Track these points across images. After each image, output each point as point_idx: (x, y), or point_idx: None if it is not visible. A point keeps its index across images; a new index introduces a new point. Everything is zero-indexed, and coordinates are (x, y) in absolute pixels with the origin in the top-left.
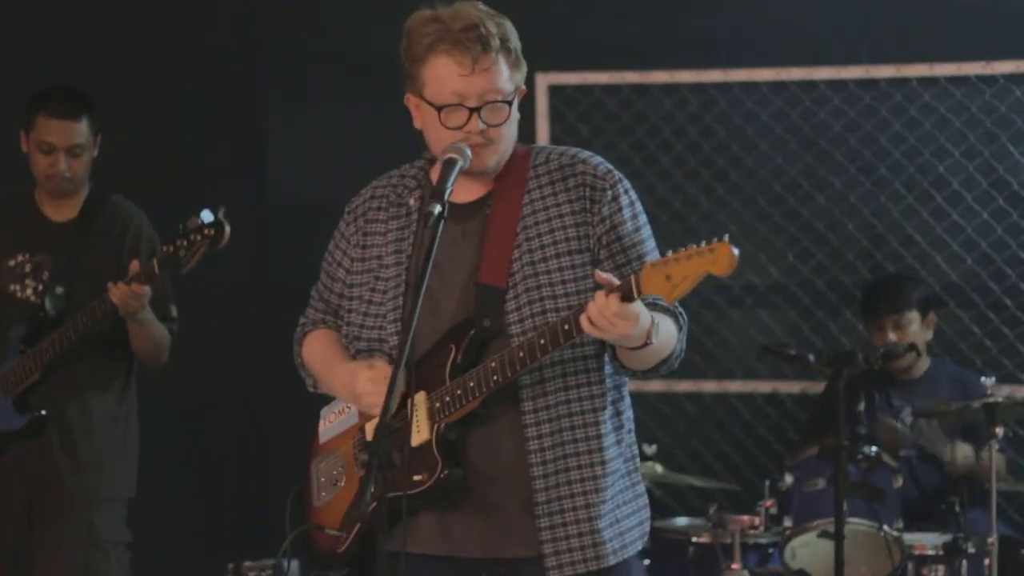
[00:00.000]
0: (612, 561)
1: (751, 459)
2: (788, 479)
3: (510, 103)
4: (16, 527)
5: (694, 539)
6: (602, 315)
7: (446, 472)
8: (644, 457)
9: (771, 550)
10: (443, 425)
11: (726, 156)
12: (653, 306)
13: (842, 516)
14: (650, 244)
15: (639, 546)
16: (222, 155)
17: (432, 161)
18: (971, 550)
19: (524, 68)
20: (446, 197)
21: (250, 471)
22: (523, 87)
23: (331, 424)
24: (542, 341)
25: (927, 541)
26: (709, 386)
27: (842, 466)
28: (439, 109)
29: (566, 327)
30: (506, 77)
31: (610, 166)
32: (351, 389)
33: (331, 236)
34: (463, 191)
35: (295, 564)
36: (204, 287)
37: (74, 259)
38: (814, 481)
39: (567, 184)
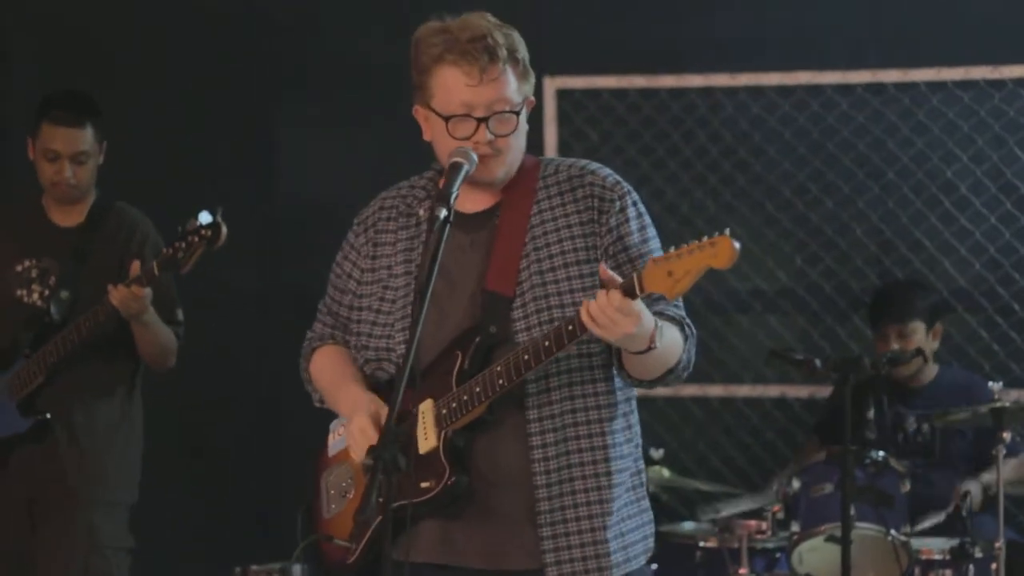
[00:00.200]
0: (616, 574)
1: (758, 463)
2: (796, 483)
3: (518, 113)
4: (18, 528)
5: (702, 544)
6: (604, 312)
7: (453, 479)
8: (651, 461)
9: (778, 555)
10: (450, 432)
11: (733, 160)
12: (659, 315)
13: (849, 521)
14: (658, 255)
15: (643, 560)
16: (228, 158)
17: (441, 172)
18: (978, 555)
19: (532, 79)
20: (452, 201)
21: (255, 475)
22: (532, 98)
23: (340, 437)
24: (547, 343)
25: (934, 546)
26: (716, 390)
27: (849, 471)
28: (447, 120)
29: (570, 327)
30: (514, 88)
31: (619, 178)
32: (354, 416)
33: (336, 239)
34: (472, 201)
35: (299, 568)
36: (209, 290)
37: (80, 264)
38: (821, 486)
39: (576, 195)
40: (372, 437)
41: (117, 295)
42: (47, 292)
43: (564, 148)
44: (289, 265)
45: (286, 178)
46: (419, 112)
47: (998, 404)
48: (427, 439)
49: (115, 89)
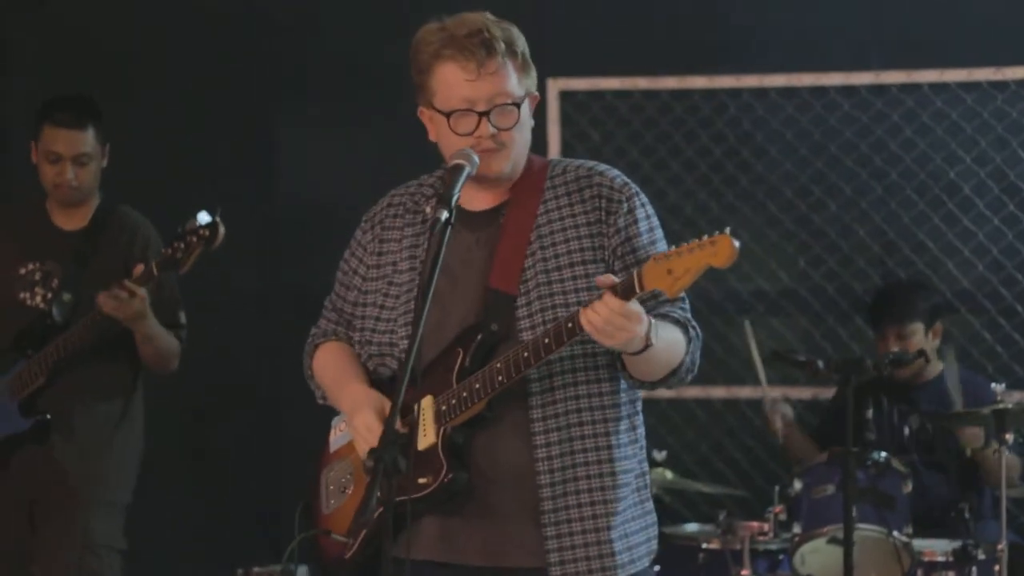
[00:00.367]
0: (621, 575)
1: (761, 465)
2: (798, 485)
3: (519, 106)
4: (18, 528)
5: (704, 545)
6: (607, 320)
7: (450, 475)
8: (654, 463)
9: (781, 556)
10: (449, 428)
11: (736, 162)
12: (664, 317)
13: (851, 522)
14: None
15: (647, 561)
16: (228, 158)
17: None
18: (981, 556)
19: (534, 74)
20: (453, 203)
21: (257, 475)
22: (536, 94)
23: (341, 433)
24: (546, 340)
25: (937, 547)
26: (719, 392)
27: (851, 472)
28: (448, 115)
29: (569, 325)
30: (514, 81)
31: (627, 179)
32: (351, 419)
33: (337, 239)
34: (479, 199)
35: (304, 569)
36: (209, 290)
37: (82, 267)
38: (823, 487)
39: (583, 195)
40: (378, 432)
41: (108, 303)
42: (50, 295)
43: (567, 149)
44: (289, 265)
45: (286, 178)
46: (423, 113)
47: (1000, 406)
48: (426, 435)
49: (115, 89)
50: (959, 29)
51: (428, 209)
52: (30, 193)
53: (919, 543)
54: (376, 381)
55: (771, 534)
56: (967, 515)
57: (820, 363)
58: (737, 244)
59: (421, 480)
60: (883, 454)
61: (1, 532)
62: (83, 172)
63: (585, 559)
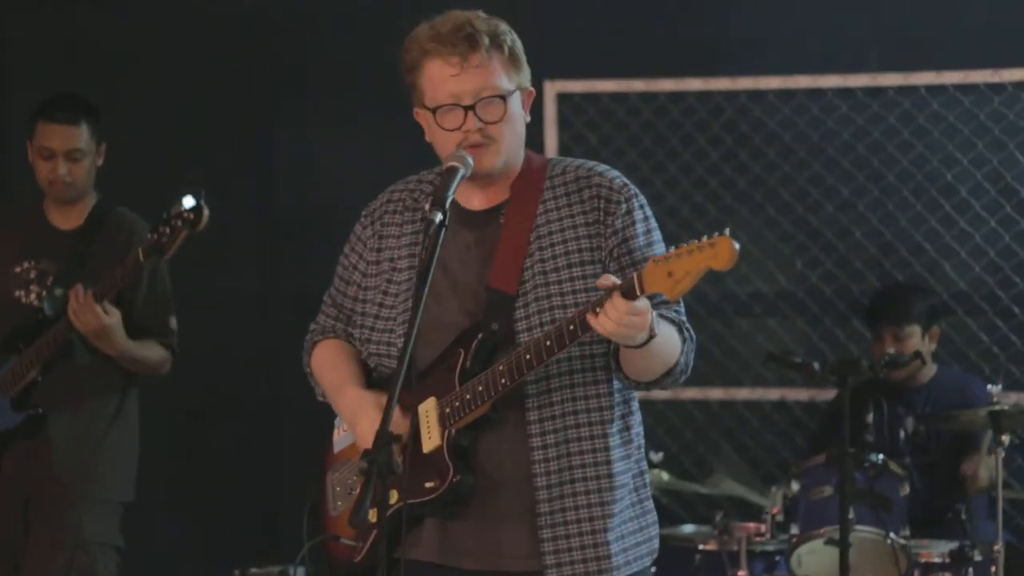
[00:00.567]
0: None
1: (758, 466)
2: (795, 486)
3: (505, 98)
4: (12, 525)
5: (701, 546)
6: (618, 322)
7: (458, 477)
8: (651, 464)
9: (777, 557)
10: (454, 431)
11: (733, 164)
12: (659, 317)
13: (847, 523)
14: None
15: (647, 562)
16: (228, 158)
17: None
18: (977, 558)
19: (525, 69)
20: (447, 205)
21: (256, 476)
22: (530, 89)
23: (345, 433)
24: (548, 342)
25: (934, 549)
26: (716, 393)
27: (848, 473)
28: (434, 111)
29: (571, 327)
30: (501, 74)
31: (627, 180)
32: (352, 421)
33: (336, 239)
34: (478, 198)
35: (302, 571)
36: (208, 290)
37: (78, 266)
38: (821, 488)
39: (582, 196)
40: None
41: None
42: (44, 292)
43: (564, 151)
44: (288, 265)
45: (286, 178)
46: (418, 114)
47: (996, 407)
48: (431, 438)
49: (115, 89)
50: (956, 31)
51: (427, 207)
52: (29, 193)
53: (916, 544)
54: (376, 379)
55: (768, 535)
56: (963, 516)
57: (816, 365)
58: (737, 246)
59: (428, 484)
60: (880, 456)
61: None
62: (76, 168)
63: (582, 561)
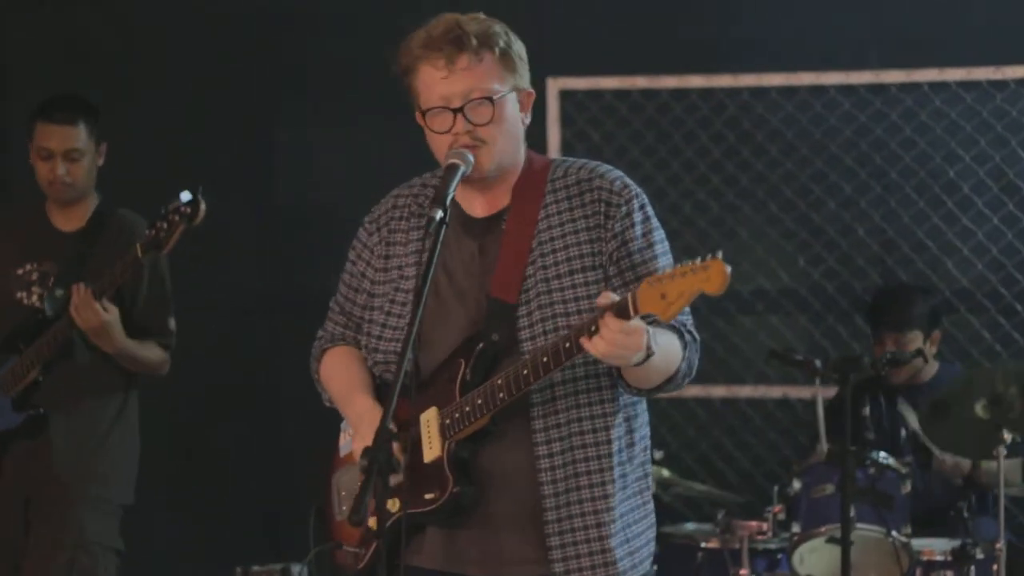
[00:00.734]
0: None
1: (760, 464)
2: (796, 484)
3: (493, 100)
4: (13, 525)
5: (703, 544)
6: (614, 344)
7: (457, 489)
8: (652, 462)
9: (779, 556)
10: (454, 442)
11: (736, 161)
12: (656, 323)
13: (848, 521)
14: (664, 261)
15: (648, 564)
16: (228, 159)
17: None
18: (979, 556)
19: (522, 70)
20: (447, 203)
21: (256, 475)
22: (528, 90)
23: (351, 438)
24: (544, 359)
25: (935, 547)
26: (719, 391)
27: (850, 472)
28: (424, 114)
29: (567, 345)
30: (492, 76)
31: (628, 181)
32: (358, 429)
33: (337, 240)
34: (480, 205)
35: (304, 570)
36: (209, 291)
37: (79, 267)
38: (822, 487)
39: (583, 200)
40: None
41: (75, 305)
42: (45, 293)
43: (567, 149)
44: (289, 265)
45: (286, 179)
46: (418, 117)
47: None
48: (432, 448)
49: (115, 90)
50: (958, 28)
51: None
52: (29, 194)
53: (918, 542)
54: (383, 388)
55: (770, 533)
56: (965, 514)
57: (818, 362)
58: (729, 270)
59: (428, 495)
60: (882, 454)
61: None
62: (75, 168)
63: (591, 567)
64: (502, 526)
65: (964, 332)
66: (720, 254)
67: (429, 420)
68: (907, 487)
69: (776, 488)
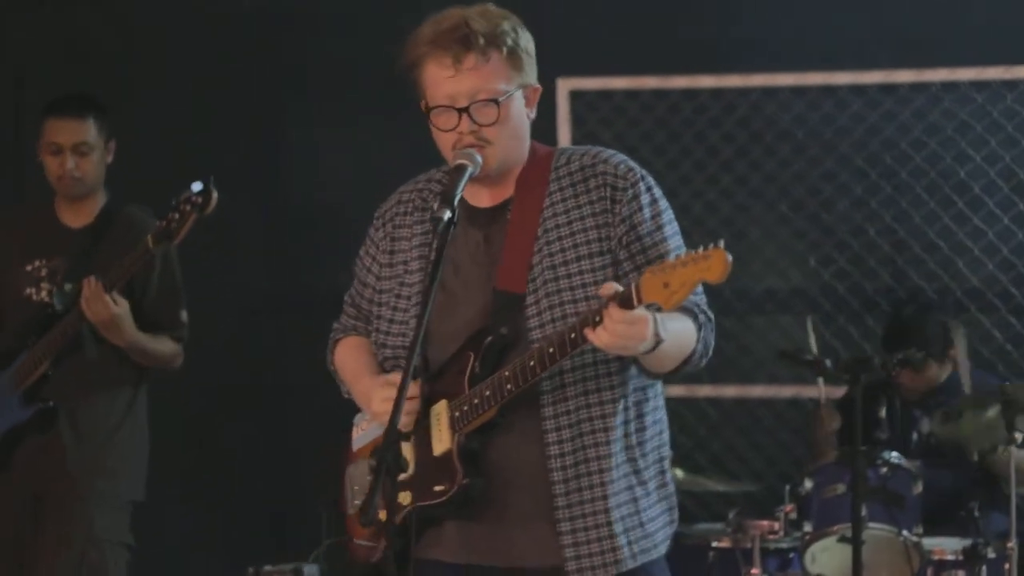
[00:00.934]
0: (630, 565)
1: (772, 464)
2: (808, 484)
3: (498, 101)
4: (23, 522)
5: (714, 544)
6: (616, 334)
7: (466, 481)
8: None
9: (791, 555)
10: (462, 437)
11: (747, 161)
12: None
13: (860, 521)
14: (674, 242)
15: (663, 549)
16: (234, 159)
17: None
18: (991, 555)
19: (529, 66)
20: (455, 203)
21: (267, 474)
22: (535, 86)
23: (364, 431)
24: (551, 350)
25: (947, 546)
26: (730, 391)
27: (861, 471)
28: (429, 112)
29: (572, 336)
30: (499, 75)
31: (633, 164)
32: (369, 408)
33: (344, 238)
34: (484, 195)
35: (314, 568)
36: (219, 288)
37: (87, 263)
38: (834, 486)
39: (588, 185)
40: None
41: (86, 298)
42: (54, 289)
43: None
44: (297, 263)
45: (294, 178)
46: (424, 111)
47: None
48: (441, 441)
49: (115, 90)
50: (969, 28)
51: (436, 206)
52: (41, 195)
53: (929, 542)
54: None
55: (781, 533)
56: (976, 513)
57: (828, 362)
58: (730, 259)
59: (437, 488)
60: (893, 453)
61: (6, 527)
62: (84, 162)
63: (600, 553)
64: (515, 516)
65: (975, 332)
66: (722, 243)
67: (439, 412)
68: (918, 487)
69: (788, 487)
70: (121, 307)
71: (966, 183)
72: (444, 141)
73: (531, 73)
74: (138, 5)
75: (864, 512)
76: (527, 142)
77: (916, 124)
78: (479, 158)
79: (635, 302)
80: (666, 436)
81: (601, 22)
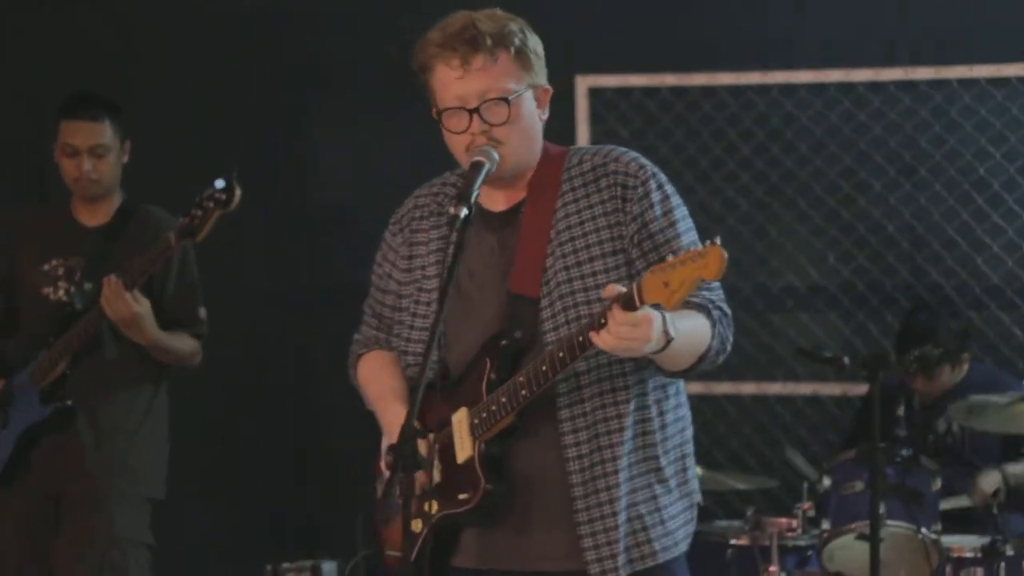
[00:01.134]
0: (650, 563)
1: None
2: (826, 481)
3: (508, 100)
4: (43, 523)
5: (732, 541)
6: (620, 337)
7: (489, 487)
8: None
9: (809, 552)
10: (483, 441)
11: (765, 158)
12: (686, 303)
13: (878, 519)
14: (688, 239)
15: (684, 547)
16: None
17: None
18: (1010, 552)
19: (536, 66)
20: (472, 200)
21: (286, 472)
22: (545, 87)
23: None
24: (560, 354)
25: (965, 543)
26: (748, 388)
27: (879, 468)
28: (440, 114)
29: (580, 339)
30: (508, 75)
31: (644, 161)
32: (390, 436)
33: (363, 238)
34: (497, 199)
35: (333, 566)
36: (236, 287)
37: (105, 261)
38: (852, 483)
39: (599, 185)
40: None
41: (107, 297)
42: (72, 288)
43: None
44: (316, 263)
45: (314, 177)
46: (435, 116)
47: None
48: (463, 448)
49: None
50: (988, 24)
51: (451, 210)
52: (59, 196)
53: (947, 539)
54: (415, 390)
55: (800, 530)
56: (995, 511)
57: (846, 359)
58: (726, 256)
59: (461, 496)
60: (912, 450)
61: (26, 528)
62: (101, 164)
63: (619, 553)
64: (536, 521)
65: (994, 329)
66: (718, 240)
67: (460, 420)
68: (937, 484)
69: (806, 485)
70: (142, 305)
71: (985, 180)
72: (456, 144)
73: (540, 74)
74: (138, 5)
75: (882, 509)
76: (539, 143)
77: (935, 121)
78: (496, 155)
79: (637, 303)
80: (689, 434)
81: (619, 19)
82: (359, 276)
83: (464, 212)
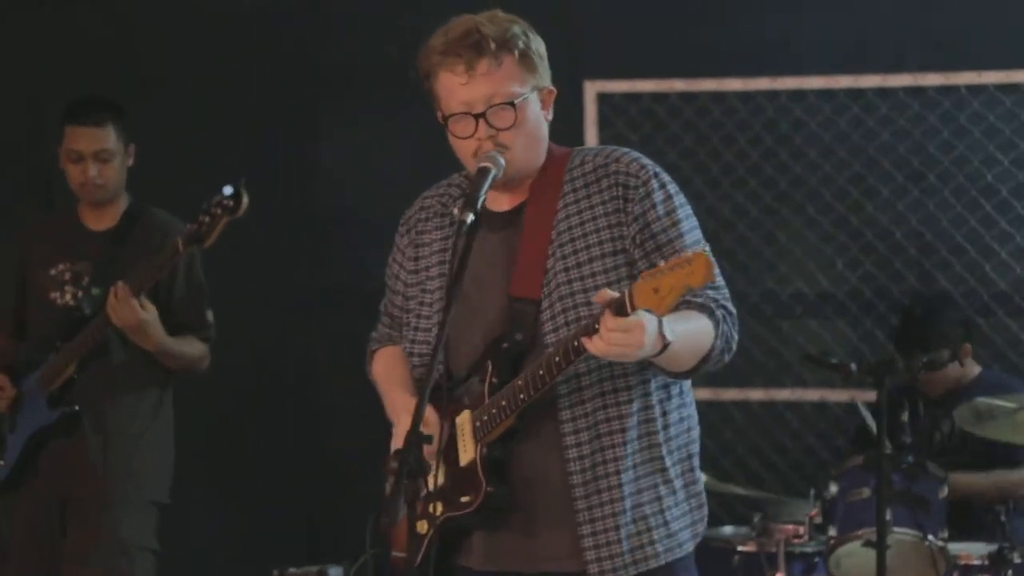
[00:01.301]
0: (654, 564)
1: (797, 467)
2: (833, 488)
3: (514, 104)
4: (50, 528)
5: (739, 548)
6: (612, 343)
7: (491, 489)
8: None
9: (816, 559)
10: (484, 447)
11: (774, 164)
12: (687, 304)
13: (884, 525)
14: (691, 238)
15: (689, 547)
16: (235, 160)
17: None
18: (1017, 560)
19: (541, 68)
20: (478, 206)
21: (292, 476)
22: (550, 88)
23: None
24: (556, 358)
25: (973, 551)
26: (757, 394)
27: (886, 475)
28: (447, 120)
29: (574, 343)
30: (513, 78)
31: (646, 161)
32: (398, 424)
33: (370, 241)
34: (500, 200)
35: (339, 571)
36: (243, 290)
37: (112, 265)
38: (858, 490)
39: (601, 186)
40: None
41: (114, 302)
42: (80, 293)
43: None
44: (323, 266)
45: (315, 178)
46: (440, 122)
47: None
48: (466, 451)
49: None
50: (997, 31)
51: (455, 211)
52: (65, 200)
53: (954, 546)
54: (421, 394)
55: (806, 537)
56: (1003, 518)
57: (853, 366)
58: (713, 263)
59: (464, 498)
60: (919, 457)
61: (33, 533)
62: (106, 169)
63: (621, 553)
64: (540, 522)
65: (1002, 336)
66: (707, 247)
67: (463, 423)
68: (944, 491)
69: (812, 491)
70: (149, 312)
71: (994, 186)
72: (463, 149)
73: (545, 75)
74: (138, 5)
75: (889, 516)
76: (544, 144)
77: (943, 127)
78: (502, 161)
79: (629, 309)
80: (695, 434)
81: (628, 25)
82: (361, 277)
83: (471, 218)
